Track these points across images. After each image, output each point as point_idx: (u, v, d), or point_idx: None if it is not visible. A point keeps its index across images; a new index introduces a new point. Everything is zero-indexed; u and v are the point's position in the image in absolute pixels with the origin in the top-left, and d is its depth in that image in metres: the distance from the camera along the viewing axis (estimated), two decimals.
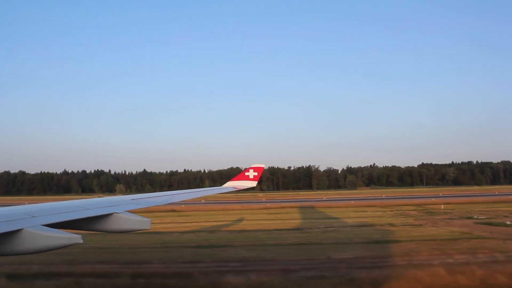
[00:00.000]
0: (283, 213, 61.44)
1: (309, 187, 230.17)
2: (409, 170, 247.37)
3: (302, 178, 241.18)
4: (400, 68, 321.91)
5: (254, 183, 20.04)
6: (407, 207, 68.12)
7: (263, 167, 20.63)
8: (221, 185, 22.49)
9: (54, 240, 7.32)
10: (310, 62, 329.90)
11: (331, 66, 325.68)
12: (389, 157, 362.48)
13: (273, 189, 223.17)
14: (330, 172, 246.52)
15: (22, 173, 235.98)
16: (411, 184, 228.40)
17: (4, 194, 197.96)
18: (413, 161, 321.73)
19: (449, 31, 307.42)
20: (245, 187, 19.82)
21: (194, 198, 14.11)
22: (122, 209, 8.94)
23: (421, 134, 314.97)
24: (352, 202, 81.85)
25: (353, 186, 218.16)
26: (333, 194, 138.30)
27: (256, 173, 20.06)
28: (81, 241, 7.33)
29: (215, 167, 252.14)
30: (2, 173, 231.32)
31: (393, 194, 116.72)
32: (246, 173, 20.07)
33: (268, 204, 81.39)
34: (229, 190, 18.79)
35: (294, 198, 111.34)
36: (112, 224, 8.49)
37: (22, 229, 7.21)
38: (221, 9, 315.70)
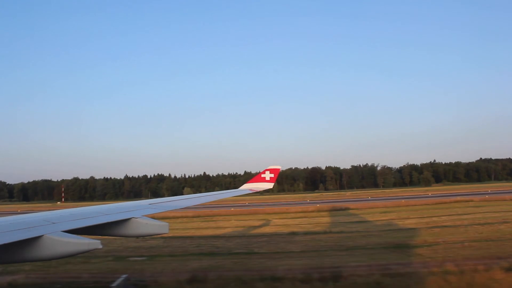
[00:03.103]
0: (470, 207, 55.80)
1: (374, 185, 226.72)
2: (475, 166, 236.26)
3: (367, 177, 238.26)
4: (442, 65, 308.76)
5: (270, 185, 19.54)
6: None
7: (279, 169, 20.08)
8: None
9: (74, 246, 7.41)
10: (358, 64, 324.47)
11: (373, 68, 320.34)
12: (445, 153, 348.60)
13: (337, 188, 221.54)
14: (387, 170, 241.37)
15: (94, 179, 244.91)
16: (478, 180, 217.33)
17: (78, 200, 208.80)
18: (471, 157, 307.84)
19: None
20: (261, 189, 19.37)
21: (211, 202, 13.94)
22: (140, 213, 8.95)
23: (476, 127, 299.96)
24: None
25: (427, 183, 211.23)
26: (432, 190, 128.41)
27: (272, 175, 19.54)
28: (100, 247, 7.36)
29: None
30: (71, 179, 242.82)
31: (501, 189, 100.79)
32: (263, 175, 19.56)
33: (403, 201, 75.00)
34: (246, 193, 18.42)
35: (404, 195, 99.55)
36: (131, 229, 8.51)
37: (43, 235, 7.35)
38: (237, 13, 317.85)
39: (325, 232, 38.27)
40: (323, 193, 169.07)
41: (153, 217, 8.98)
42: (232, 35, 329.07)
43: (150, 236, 9.10)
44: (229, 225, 49.55)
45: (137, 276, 20.21)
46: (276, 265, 22.93)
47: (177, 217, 59.23)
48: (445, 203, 65.38)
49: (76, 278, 21.26)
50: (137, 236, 8.88)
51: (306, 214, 60.90)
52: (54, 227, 7.85)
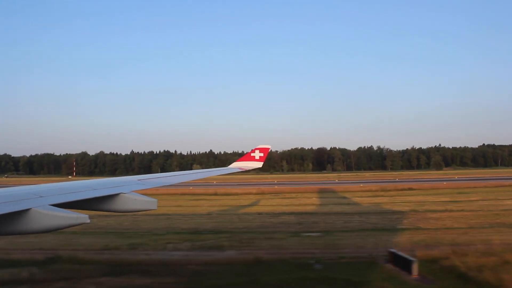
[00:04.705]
0: None
1: (382, 167, 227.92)
2: (482, 151, 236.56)
3: (374, 159, 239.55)
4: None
5: (260, 164, 19.57)
6: None
7: (269, 148, 20.12)
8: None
9: (62, 219, 7.39)
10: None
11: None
12: (448, 138, 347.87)
13: (345, 170, 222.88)
14: (395, 153, 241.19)
15: (103, 154, 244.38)
16: (485, 165, 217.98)
17: (88, 175, 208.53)
18: (473, 142, 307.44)
19: None
20: (251, 168, 19.38)
21: (200, 179, 13.93)
22: (129, 189, 8.92)
23: (479, 113, 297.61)
24: None
25: (438, 166, 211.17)
26: (453, 174, 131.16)
27: (262, 154, 19.57)
28: (88, 221, 7.35)
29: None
30: (80, 153, 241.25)
31: None
32: (252, 154, 19.59)
33: (444, 183, 76.38)
34: (235, 171, 18.40)
35: (432, 178, 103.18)
36: (119, 204, 8.49)
37: (30, 208, 7.33)
38: None
39: (445, 210, 39.07)
40: (341, 174, 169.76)
41: (143, 193, 8.95)
42: (242, 16, 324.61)
43: (138, 211, 9.06)
44: (317, 203, 49.58)
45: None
46: (482, 240, 24.02)
47: (241, 194, 59.69)
48: (505, 186, 66.37)
49: (305, 254, 22.01)
50: (126, 212, 8.87)
51: (376, 193, 61.89)
52: (42, 200, 7.84)
